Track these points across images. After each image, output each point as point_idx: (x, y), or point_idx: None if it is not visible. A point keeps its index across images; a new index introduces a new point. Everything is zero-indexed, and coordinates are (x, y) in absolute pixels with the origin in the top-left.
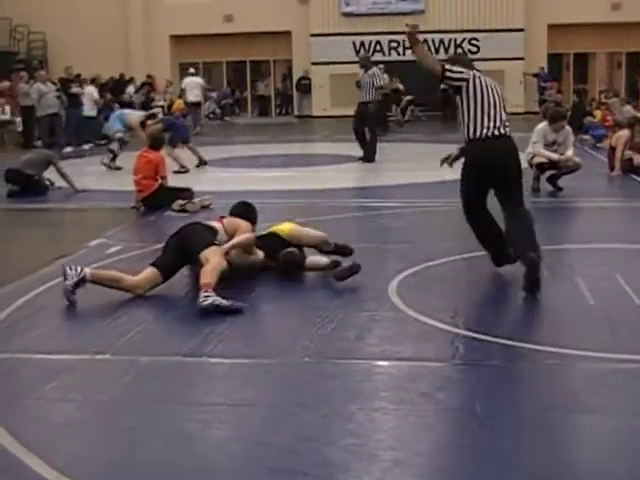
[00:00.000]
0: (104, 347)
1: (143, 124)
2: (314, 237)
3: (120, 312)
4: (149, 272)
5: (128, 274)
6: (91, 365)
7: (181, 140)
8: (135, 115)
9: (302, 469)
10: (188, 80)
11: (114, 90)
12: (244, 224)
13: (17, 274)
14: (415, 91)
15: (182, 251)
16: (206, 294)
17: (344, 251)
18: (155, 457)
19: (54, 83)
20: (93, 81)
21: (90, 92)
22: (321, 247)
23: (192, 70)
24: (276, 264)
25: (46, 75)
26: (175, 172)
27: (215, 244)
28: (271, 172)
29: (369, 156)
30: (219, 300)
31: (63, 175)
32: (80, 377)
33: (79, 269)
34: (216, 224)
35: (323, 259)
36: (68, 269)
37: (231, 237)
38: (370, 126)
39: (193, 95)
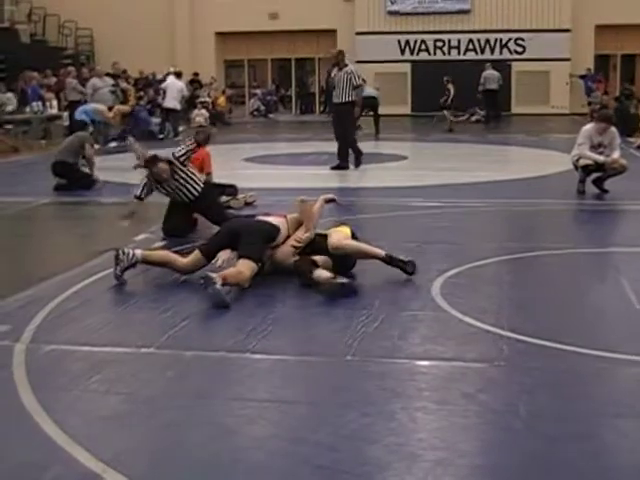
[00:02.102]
0: (149, 341)
1: (110, 108)
2: (362, 251)
3: (166, 306)
4: (196, 255)
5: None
6: (136, 359)
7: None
8: (99, 105)
9: (343, 467)
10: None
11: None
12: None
13: (65, 266)
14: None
15: (230, 241)
16: (217, 279)
17: (403, 267)
18: (198, 452)
19: (113, 77)
20: (178, 75)
21: (177, 85)
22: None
23: (172, 69)
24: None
25: (102, 70)
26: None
27: (255, 261)
28: (315, 170)
29: (342, 162)
30: (215, 288)
31: (88, 159)
32: (125, 370)
33: (131, 254)
34: (279, 221)
35: (325, 273)
36: (121, 253)
37: (294, 231)
38: (344, 130)
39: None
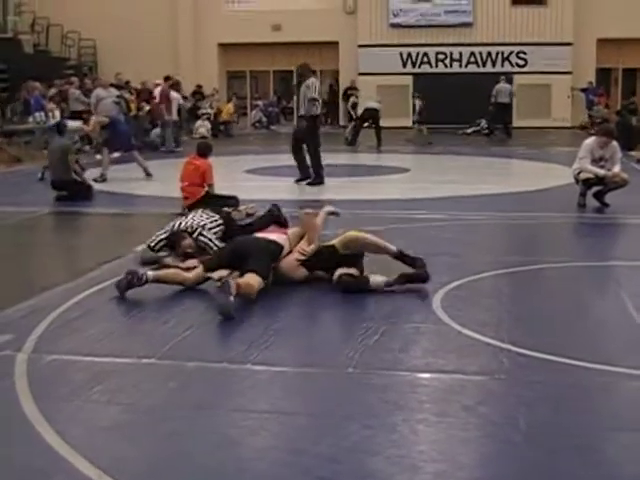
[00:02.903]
0: (151, 351)
1: (86, 120)
2: (378, 245)
3: (167, 317)
4: (200, 271)
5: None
6: (138, 369)
7: (120, 147)
8: (70, 122)
9: (344, 479)
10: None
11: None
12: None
13: (66, 277)
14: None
15: (234, 261)
16: (233, 291)
17: (412, 264)
18: (198, 462)
19: (117, 88)
20: (172, 86)
21: (174, 97)
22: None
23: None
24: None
25: (106, 81)
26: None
27: (263, 277)
28: None
29: (313, 177)
30: (228, 298)
31: (75, 169)
32: (127, 381)
33: (144, 278)
34: (281, 238)
35: (379, 278)
36: (135, 279)
37: (296, 244)
38: (307, 143)
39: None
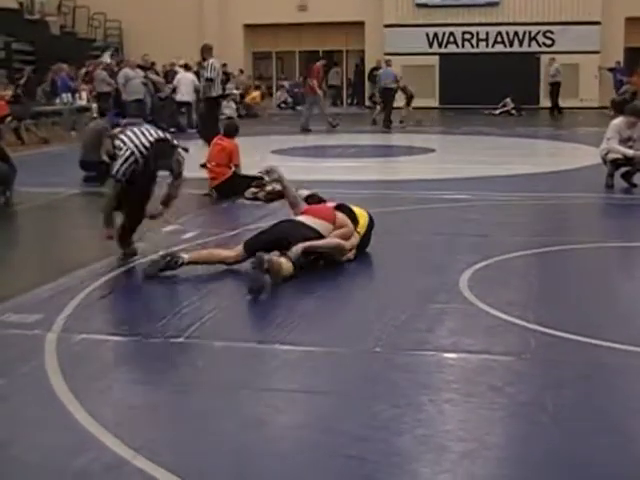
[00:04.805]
0: (178, 331)
1: None
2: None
3: (195, 297)
4: (239, 250)
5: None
6: (166, 348)
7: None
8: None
9: (372, 457)
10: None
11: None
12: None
13: (95, 256)
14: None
15: (276, 243)
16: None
17: None
18: (227, 441)
19: (142, 69)
20: (187, 67)
21: (189, 78)
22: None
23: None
24: None
25: (134, 61)
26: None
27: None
28: (343, 162)
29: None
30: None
31: (109, 151)
32: (155, 360)
33: (180, 260)
34: (322, 225)
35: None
36: (173, 263)
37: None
38: (200, 125)
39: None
